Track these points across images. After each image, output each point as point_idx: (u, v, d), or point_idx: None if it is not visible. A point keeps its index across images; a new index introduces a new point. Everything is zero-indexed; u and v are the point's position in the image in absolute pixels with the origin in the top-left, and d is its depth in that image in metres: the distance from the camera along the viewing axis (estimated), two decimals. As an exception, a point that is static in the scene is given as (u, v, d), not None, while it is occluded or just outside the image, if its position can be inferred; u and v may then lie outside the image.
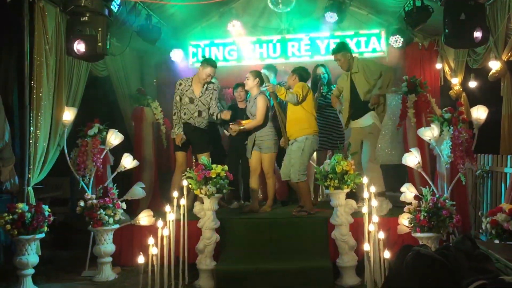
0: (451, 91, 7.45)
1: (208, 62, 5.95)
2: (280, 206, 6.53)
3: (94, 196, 5.32)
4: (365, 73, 5.74)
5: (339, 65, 5.93)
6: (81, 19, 4.93)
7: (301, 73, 5.91)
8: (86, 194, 5.40)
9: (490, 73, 6.10)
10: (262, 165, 6.05)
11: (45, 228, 4.82)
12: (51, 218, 4.90)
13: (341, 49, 5.87)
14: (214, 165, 5.04)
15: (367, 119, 5.78)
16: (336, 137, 6.35)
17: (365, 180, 4.64)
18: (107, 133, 5.70)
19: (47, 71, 5.26)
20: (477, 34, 4.91)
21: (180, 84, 5.95)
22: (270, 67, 6.84)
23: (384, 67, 5.92)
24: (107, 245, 5.30)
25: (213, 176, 4.96)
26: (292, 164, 5.67)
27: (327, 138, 6.33)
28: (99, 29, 5.01)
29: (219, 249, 5.25)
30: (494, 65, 5.97)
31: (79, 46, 5.03)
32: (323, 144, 6.29)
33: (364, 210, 4.38)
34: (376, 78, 5.71)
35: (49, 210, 4.90)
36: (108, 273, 5.28)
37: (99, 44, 5.03)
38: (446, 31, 4.99)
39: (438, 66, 7.69)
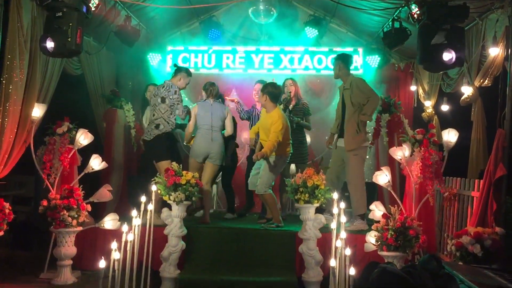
0: (423, 113, 7.59)
1: (189, 72, 6.04)
2: (246, 218, 6.49)
3: (58, 196, 5.16)
4: (353, 92, 5.65)
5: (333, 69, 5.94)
6: (56, 14, 4.80)
7: (270, 91, 5.62)
8: (50, 193, 5.24)
9: (462, 98, 6.23)
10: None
11: (4, 226, 4.64)
12: (12, 216, 4.73)
13: (340, 58, 5.86)
14: (184, 172, 4.97)
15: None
16: (301, 151, 6.34)
17: (335, 195, 4.64)
18: (76, 133, 5.57)
19: (20, 65, 5.11)
20: (448, 57, 4.93)
21: (175, 93, 5.80)
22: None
23: (373, 93, 5.69)
24: (68, 247, 5.14)
25: (183, 182, 4.89)
26: (261, 176, 5.60)
27: (292, 152, 6.24)
28: (70, 24, 4.87)
29: (184, 258, 5.16)
30: (466, 90, 6.11)
31: (48, 43, 4.90)
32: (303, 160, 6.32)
33: (333, 225, 4.37)
34: (360, 101, 5.60)
35: (10, 208, 4.73)
36: (67, 276, 5.11)
37: (69, 39, 4.90)
38: (420, 53, 5.08)
39: (413, 88, 7.84)
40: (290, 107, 6.40)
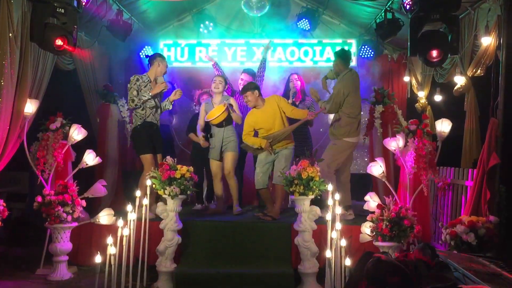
0: (417, 104, 7.61)
1: (163, 56, 6.07)
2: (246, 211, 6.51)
3: (52, 192, 5.15)
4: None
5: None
6: (57, 10, 4.78)
7: (257, 86, 5.87)
8: (44, 189, 5.22)
9: (455, 88, 6.25)
10: (224, 165, 6.07)
11: (-1, 223, 4.63)
12: (6, 213, 4.71)
13: (337, 55, 5.90)
14: (179, 166, 4.97)
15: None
16: (303, 144, 6.32)
17: (330, 187, 4.65)
18: (70, 128, 5.54)
19: (11, 60, 5.07)
20: (434, 54, 4.99)
21: (138, 80, 5.75)
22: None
23: (333, 98, 5.75)
24: (64, 243, 5.14)
25: (178, 176, 4.88)
26: (283, 166, 5.62)
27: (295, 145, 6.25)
28: (75, 26, 4.94)
29: (180, 251, 5.17)
30: (459, 80, 6.13)
31: (59, 42, 4.90)
32: (302, 152, 6.29)
33: (328, 217, 4.39)
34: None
35: (4, 204, 4.72)
36: (63, 272, 5.12)
37: (73, 39, 4.94)
38: (410, 45, 5.10)
39: (406, 79, 7.84)
40: (297, 102, 6.40)
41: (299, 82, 6.58)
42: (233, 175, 6.07)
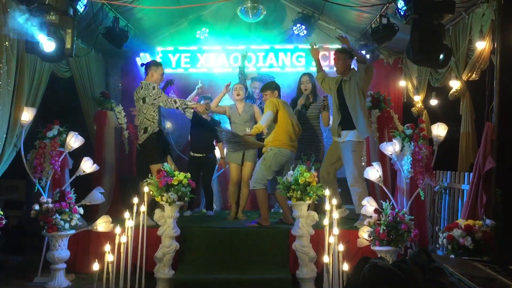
0: (413, 108, 7.63)
1: (158, 63, 6.06)
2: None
3: (50, 200, 5.14)
4: (355, 79, 5.64)
5: (335, 64, 5.88)
6: (48, 17, 4.79)
7: (278, 87, 5.96)
8: (41, 197, 5.22)
9: (451, 92, 6.28)
10: (242, 174, 6.22)
11: (-4, 232, 4.63)
12: (3, 221, 4.71)
13: (346, 52, 5.79)
14: (176, 172, 4.98)
15: (350, 135, 5.66)
16: (313, 151, 6.09)
17: (327, 192, 4.66)
18: (67, 136, 5.55)
19: (8, 69, 5.08)
20: (442, 56, 4.99)
21: (154, 88, 5.74)
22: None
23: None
24: (62, 251, 5.13)
25: (175, 183, 4.89)
26: (255, 171, 5.68)
27: (303, 151, 5.96)
28: (69, 30, 4.91)
29: (178, 258, 5.17)
30: (455, 85, 6.16)
31: (47, 47, 4.90)
32: (298, 156, 6.24)
33: (325, 222, 4.40)
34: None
35: (1, 212, 4.71)
36: (61, 280, 5.10)
37: (68, 46, 4.94)
38: (412, 48, 5.07)
39: (402, 83, 7.88)
40: (307, 103, 6.33)
41: (310, 84, 6.38)
42: (249, 184, 6.10)
